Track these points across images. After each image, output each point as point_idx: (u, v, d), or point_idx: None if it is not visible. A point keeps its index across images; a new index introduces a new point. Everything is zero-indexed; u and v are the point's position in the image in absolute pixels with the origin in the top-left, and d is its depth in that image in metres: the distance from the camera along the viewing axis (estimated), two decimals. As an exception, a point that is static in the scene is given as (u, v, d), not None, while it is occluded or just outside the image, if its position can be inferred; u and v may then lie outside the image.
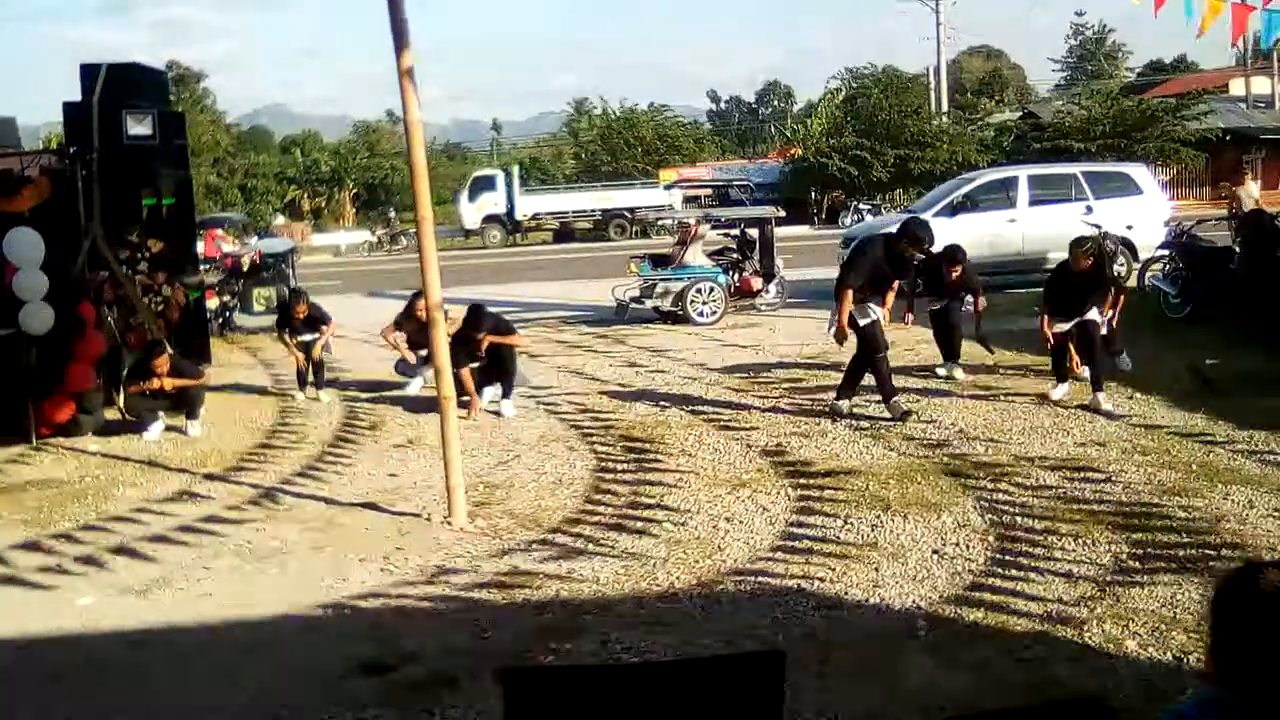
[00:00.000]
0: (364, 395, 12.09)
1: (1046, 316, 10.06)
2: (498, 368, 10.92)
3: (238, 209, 50.31)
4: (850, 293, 9.55)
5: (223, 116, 65.38)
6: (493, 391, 11.00)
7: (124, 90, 12.30)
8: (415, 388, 11.85)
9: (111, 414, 11.02)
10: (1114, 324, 10.62)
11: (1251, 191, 14.77)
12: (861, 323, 9.64)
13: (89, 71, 12.24)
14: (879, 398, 9.88)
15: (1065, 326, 10.01)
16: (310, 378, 12.12)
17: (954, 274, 11.33)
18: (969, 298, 11.61)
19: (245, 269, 18.84)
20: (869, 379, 9.89)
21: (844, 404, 9.98)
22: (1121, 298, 10.78)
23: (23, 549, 7.33)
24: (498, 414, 10.68)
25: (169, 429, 10.51)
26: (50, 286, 10.13)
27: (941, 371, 11.51)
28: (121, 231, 12.38)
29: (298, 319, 12.28)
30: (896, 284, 10.17)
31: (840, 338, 9.71)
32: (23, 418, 10.12)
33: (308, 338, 12.17)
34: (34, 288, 10.07)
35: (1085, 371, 10.05)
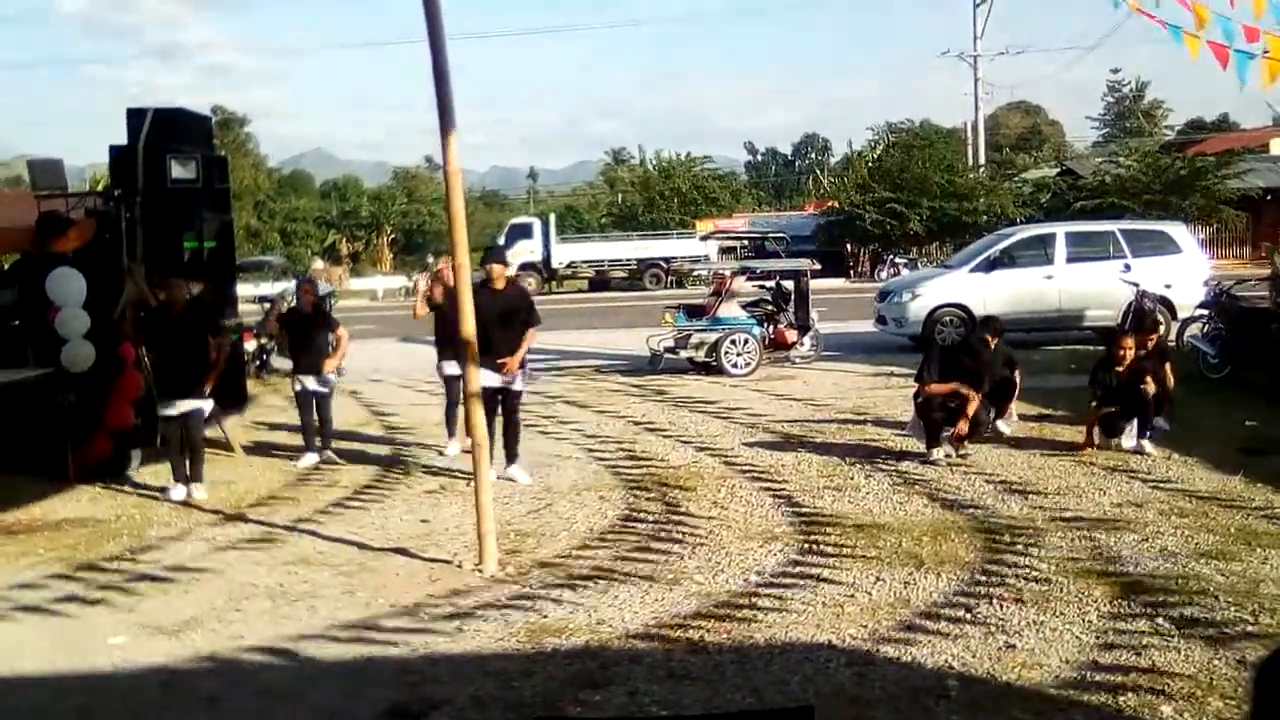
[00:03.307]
0: (397, 440, 12.12)
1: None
2: (505, 417, 9.90)
3: (277, 252, 50.83)
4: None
5: (265, 160, 66.34)
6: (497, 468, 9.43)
7: (169, 134, 12.47)
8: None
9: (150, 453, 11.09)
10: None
11: None
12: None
13: (135, 115, 12.43)
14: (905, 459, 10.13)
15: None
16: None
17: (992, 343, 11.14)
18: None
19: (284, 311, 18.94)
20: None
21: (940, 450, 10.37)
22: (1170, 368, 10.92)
23: (57, 587, 7.40)
24: (512, 481, 9.84)
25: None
26: (92, 326, 10.28)
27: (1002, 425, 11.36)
28: (163, 273, 12.51)
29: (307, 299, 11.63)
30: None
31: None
32: (61, 457, 10.21)
33: (319, 384, 11.09)
34: (76, 326, 10.22)
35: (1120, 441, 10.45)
